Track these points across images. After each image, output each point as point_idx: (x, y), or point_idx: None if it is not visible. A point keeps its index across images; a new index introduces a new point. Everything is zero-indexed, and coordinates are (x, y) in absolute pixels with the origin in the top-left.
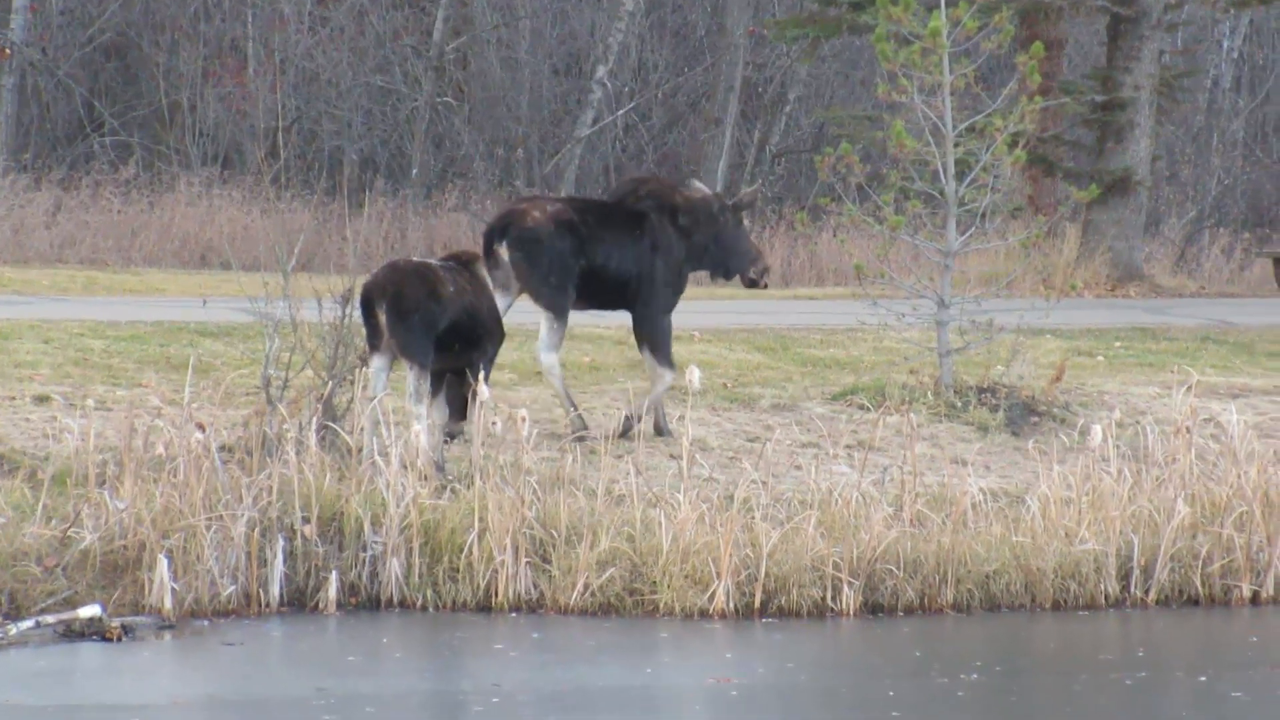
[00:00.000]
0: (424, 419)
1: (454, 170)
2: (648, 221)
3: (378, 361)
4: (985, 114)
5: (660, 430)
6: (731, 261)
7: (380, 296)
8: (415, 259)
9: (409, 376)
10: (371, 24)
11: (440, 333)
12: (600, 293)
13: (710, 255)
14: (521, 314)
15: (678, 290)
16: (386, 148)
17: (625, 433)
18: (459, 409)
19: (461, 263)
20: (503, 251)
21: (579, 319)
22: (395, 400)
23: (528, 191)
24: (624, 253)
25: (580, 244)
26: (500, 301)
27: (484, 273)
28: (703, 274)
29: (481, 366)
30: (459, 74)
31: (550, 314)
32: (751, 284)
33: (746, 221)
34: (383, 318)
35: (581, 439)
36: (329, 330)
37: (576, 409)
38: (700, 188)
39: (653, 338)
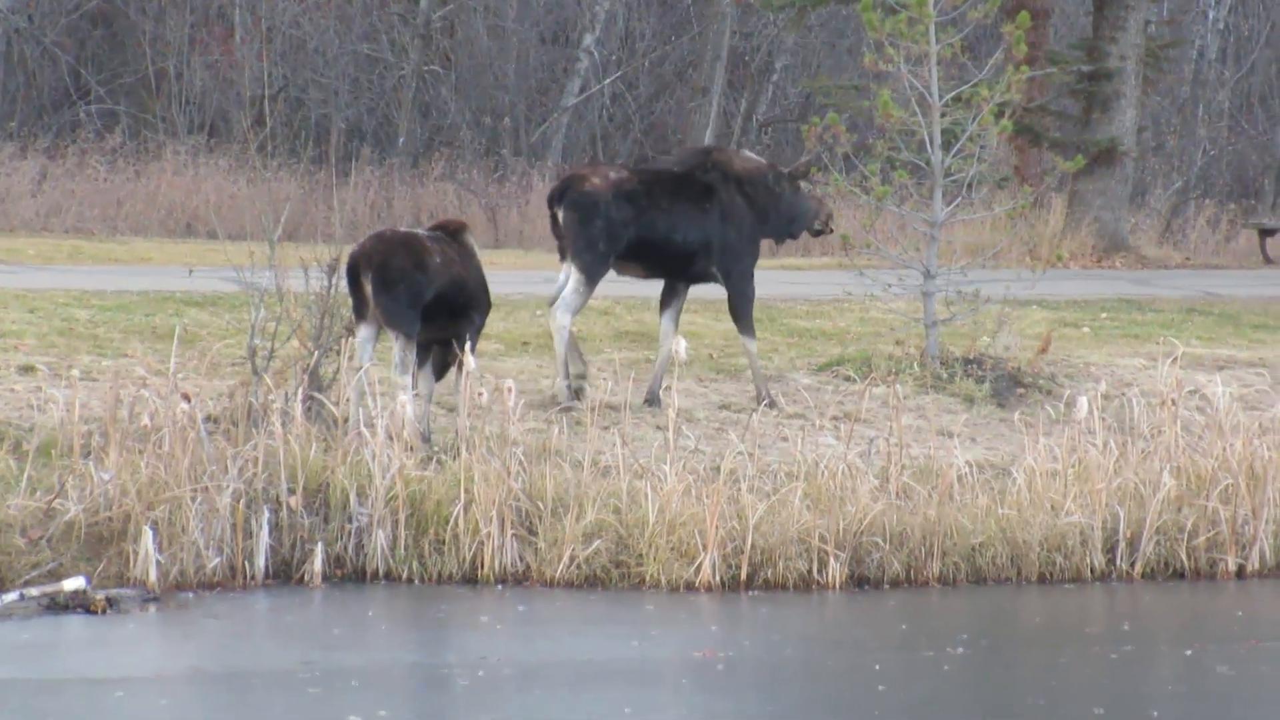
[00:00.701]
0: (409, 389)
1: (440, 139)
2: (716, 193)
3: (364, 331)
4: (971, 84)
5: (762, 399)
6: (794, 227)
7: (366, 266)
8: (402, 229)
9: (394, 347)
10: None
11: (426, 303)
12: (664, 262)
13: (773, 223)
14: (507, 284)
15: (755, 255)
16: (373, 116)
17: (771, 405)
18: (438, 371)
19: (449, 232)
20: (560, 213)
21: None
22: (381, 371)
23: (513, 161)
24: (690, 223)
25: (638, 214)
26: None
27: (472, 241)
28: None
29: (469, 337)
30: (446, 42)
31: (582, 276)
32: (818, 233)
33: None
34: (368, 287)
35: (568, 410)
36: (315, 300)
37: (568, 378)
38: (753, 157)
39: (740, 306)
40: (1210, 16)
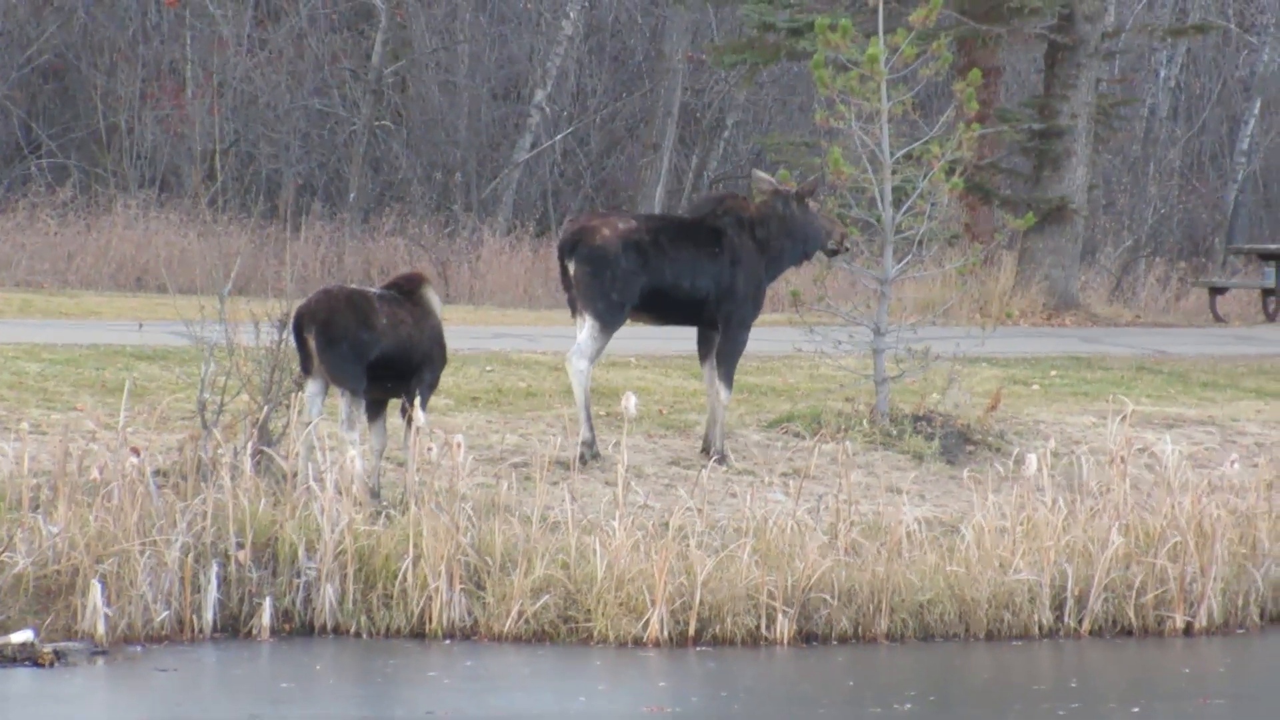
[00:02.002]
0: (357, 445)
1: (391, 194)
2: (726, 238)
3: (312, 387)
4: (923, 141)
5: (713, 453)
6: (809, 246)
7: (310, 322)
8: (351, 286)
9: (340, 403)
10: (310, 47)
11: (372, 361)
12: (675, 309)
13: (789, 252)
14: (457, 339)
15: (759, 304)
16: (324, 171)
17: (722, 460)
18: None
19: (404, 290)
20: (570, 266)
21: (512, 344)
22: (330, 425)
23: (464, 216)
24: (699, 270)
25: (646, 263)
26: None
27: (430, 296)
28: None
29: (419, 392)
30: (397, 98)
31: (598, 324)
32: (833, 253)
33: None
34: (312, 343)
35: (594, 456)
36: (265, 355)
37: (590, 422)
38: (764, 177)
39: (729, 353)
40: (1161, 75)
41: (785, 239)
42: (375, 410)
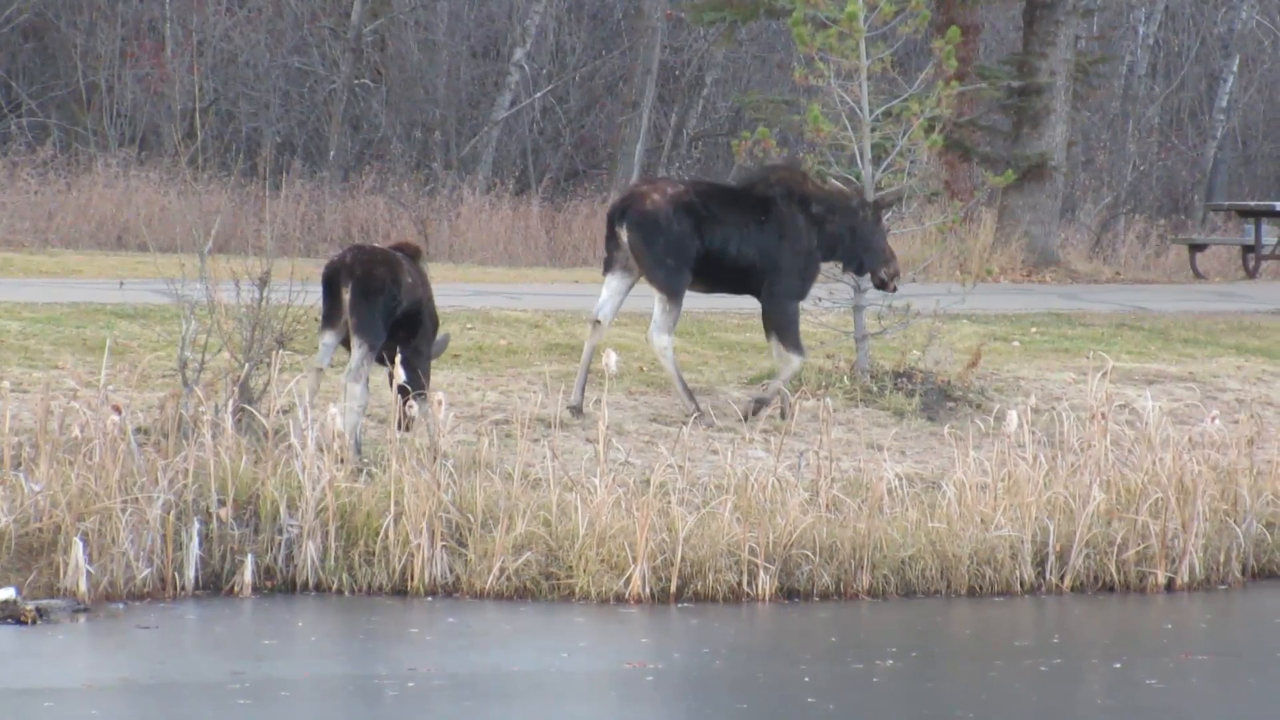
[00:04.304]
0: (358, 396)
1: (371, 152)
2: (775, 208)
3: (329, 337)
4: (902, 99)
5: (784, 414)
6: (866, 258)
7: (348, 276)
8: (377, 245)
9: (355, 354)
10: (289, 5)
11: (396, 319)
12: (723, 277)
13: (845, 248)
14: (437, 297)
15: (807, 278)
16: (304, 129)
17: (756, 413)
18: (418, 381)
19: (407, 255)
20: (622, 233)
21: (493, 301)
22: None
23: (444, 174)
24: (746, 237)
25: (699, 226)
26: (620, 283)
27: (423, 265)
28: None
29: (407, 355)
30: (377, 56)
31: (665, 295)
32: (881, 285)
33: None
34: (346, 296)
35: (699, 417)
36: (246, 313)
37: (689, 391)
38: (837, 183)
39: (779, 323)
40: (1140, 32)
41: (846, 233)
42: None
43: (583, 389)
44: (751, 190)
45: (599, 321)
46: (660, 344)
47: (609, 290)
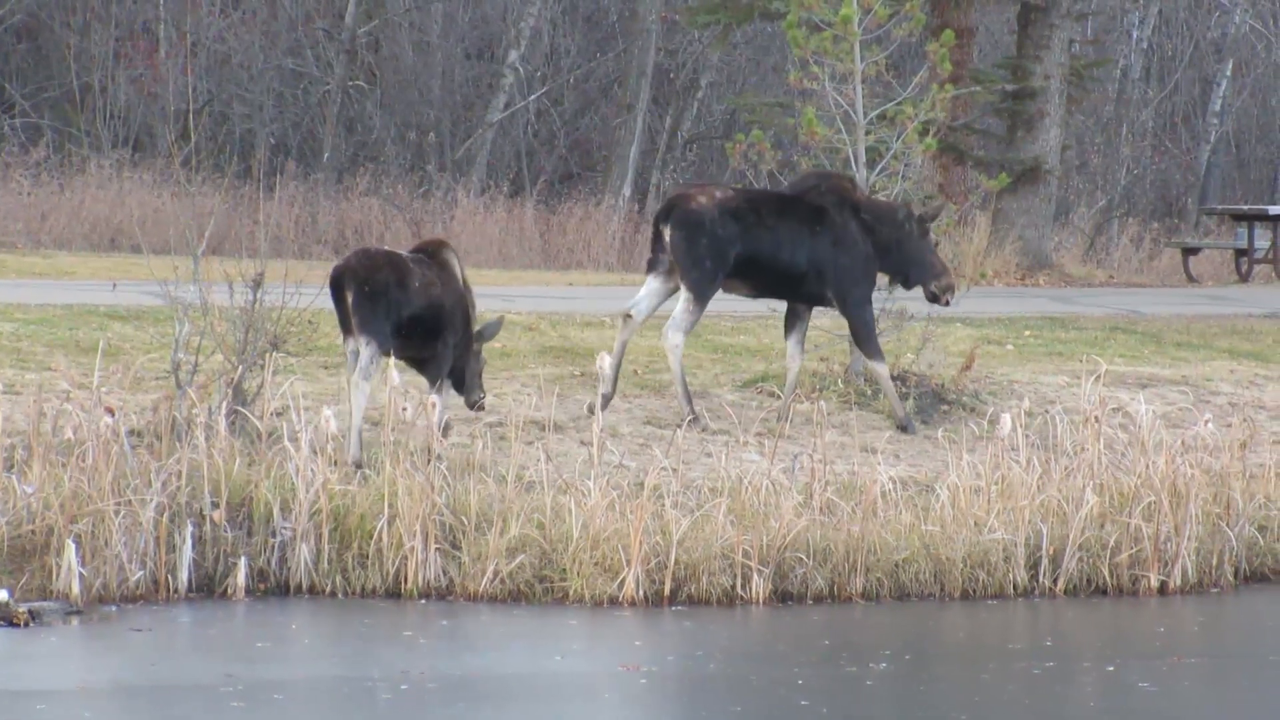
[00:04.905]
0: (363, 395)
1: (365, 154)
2: (828, 216)
3: (351, 344)
4: (896, 102)
5: (903, 426)
6: (912, 271)
7: (351, 279)
8: (385, 248)
9: (363, 353)
10: (283, 7)
11: (403, 321)
12: (771, 282)
13: (892, 260)
14: None
15: (871, 284)
16: (298, 131)
17: (906, 428)
18: (468, 383)
19: (429, 253)
20: (666, 232)
21: (487, 304)
22: (306, 385)
23: (438, 176)
24: (797, 244)
25: (743, 232)
26: (659, 284)
27: (453, 260)
28: (610, 260)
29: (445, 354)
30: (371, 58)
31: (691, 295)
32: (933, 298)
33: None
34: (350, 299)
35: (693, 421)
36: (239, 315)
37: (688, 394)
38: (879, 197)
39: (860, 333)
40: (1134, 36)
41: (894, 244)
42: (415, 368)
43: (614, 383)
44: (804, 198)
45: (630, 316)
46: (673, 341)
47: (647, 290)
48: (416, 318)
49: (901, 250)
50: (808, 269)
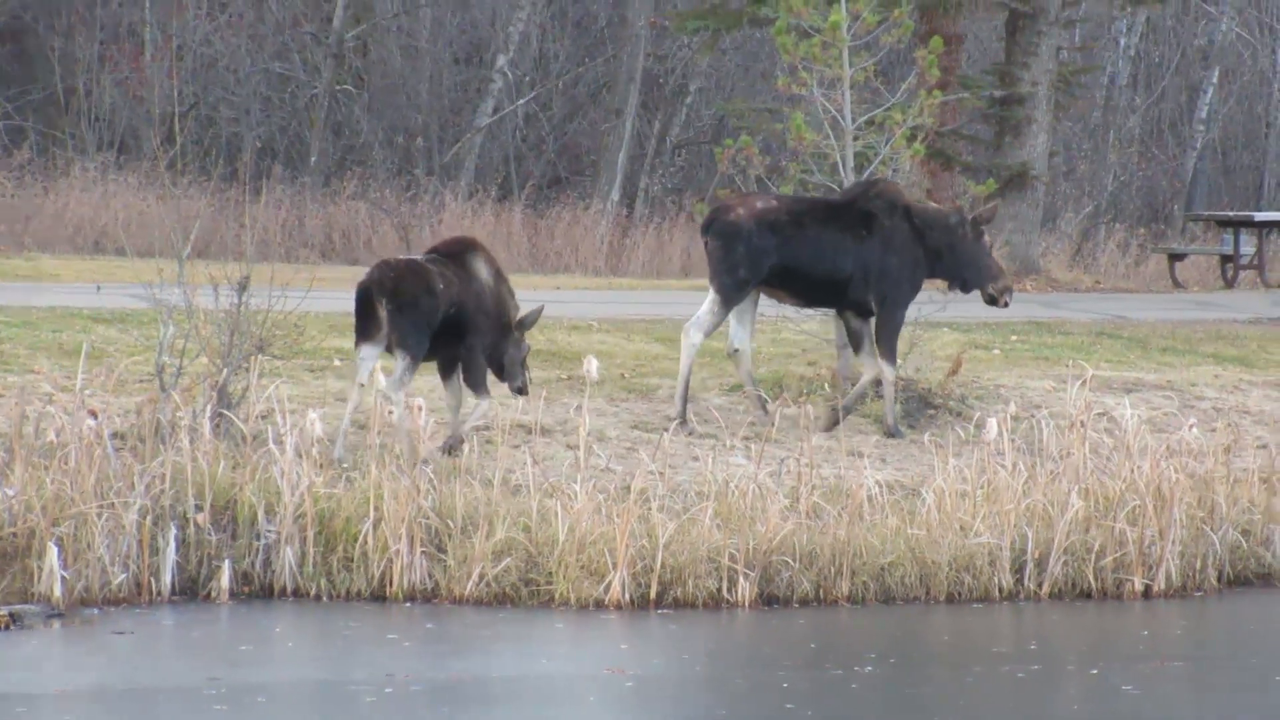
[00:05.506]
0: (400, 404)
1: (353, 158)
2: (876, 221)
3: (367, 350)
4: (884, 108)
5: (891, 432)
6: (969, 274)
7: (380, 292)
8: (401, 257)
9: (398, 365)
10: (270, 10)
11: (436, 327)
12: (816, 289)
13: (945, 265)
14: None
15: (914, 287)
16: (285, 135)
17: (895, 434)
18: (508, 370)
19: (449, 254)
20: (707, 241)
21: None
22: (292, 388)
23: (426, 180)
24: (841, 250)
25: (781, 244)
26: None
27: (475, 262)
28: (598, 265)
29: (476, 355)
30: (358, 62)
31: (719, 298)
32: (991, 300)
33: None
34: (383, 313)
35: (681, 424)
36: (224, 318)
37: (686, 397)
38: (931, 203)
39: (886, 333)
40: (1121, 43)
41: (946, 249)
42: (448, 369)
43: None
44: (852, 205)
45: (737, 349)
46: (691, 340)
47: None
48: (453, 318)
49: (956, 254)
50: (852, 275)
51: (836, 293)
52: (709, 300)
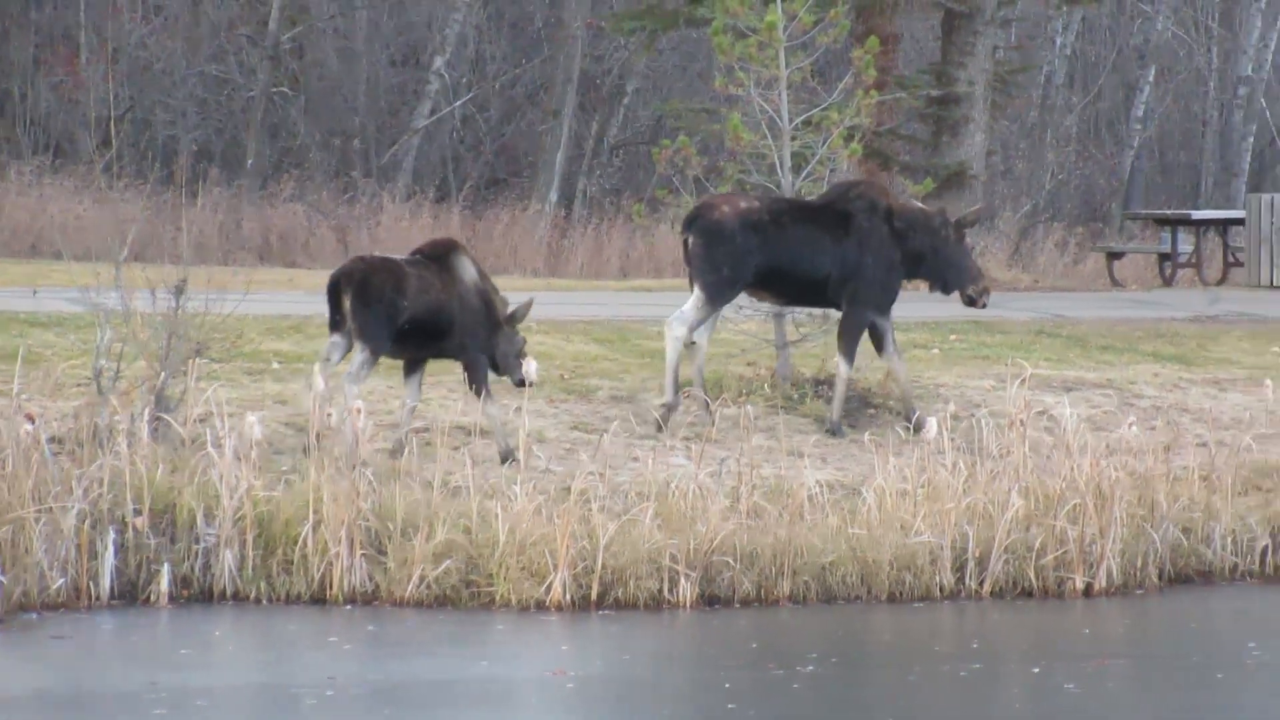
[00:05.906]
0: (357, 399)
1: (290, 161)
2: (854, 222)
3: (337, 338)
4: (821, 108)
5: (834, 430)
6: (950, 276)
7: (348, 284)
8: (381, 254)
9: (356, 358)
10: (206, 13)
11: (402, 324)
12: (797, 289)
13: (928, 267)
14: None
15: (889, 290)
16: (221, 137)
17: (835, 432)
18: (505, 365)
19: (432, 256)
20: (689, 240)
21: None
22: (231, 391)
23: (363, 182)
24: (820, 250)
25: (764, 243)
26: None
27: (459, 263)
28: (537, 265)
29: (472, 371)
30: (295, 64)
31: (704, 296)
32: (970, 302)
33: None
34: (348, 304)
35: (665, 412)
36: (162, 321)
37: (675, 385)
38: (916, 203)
39: (845, 327)
40: (1058, 42)
41: (928, 252)
42: (412, 368)
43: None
44: (831, 206)
45: (693, 342)
46: (675, 333)
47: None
48: (416, 321)
49: (938, 256)
50: (831, 275)
51: (817, 293)
52: (693, 297)
